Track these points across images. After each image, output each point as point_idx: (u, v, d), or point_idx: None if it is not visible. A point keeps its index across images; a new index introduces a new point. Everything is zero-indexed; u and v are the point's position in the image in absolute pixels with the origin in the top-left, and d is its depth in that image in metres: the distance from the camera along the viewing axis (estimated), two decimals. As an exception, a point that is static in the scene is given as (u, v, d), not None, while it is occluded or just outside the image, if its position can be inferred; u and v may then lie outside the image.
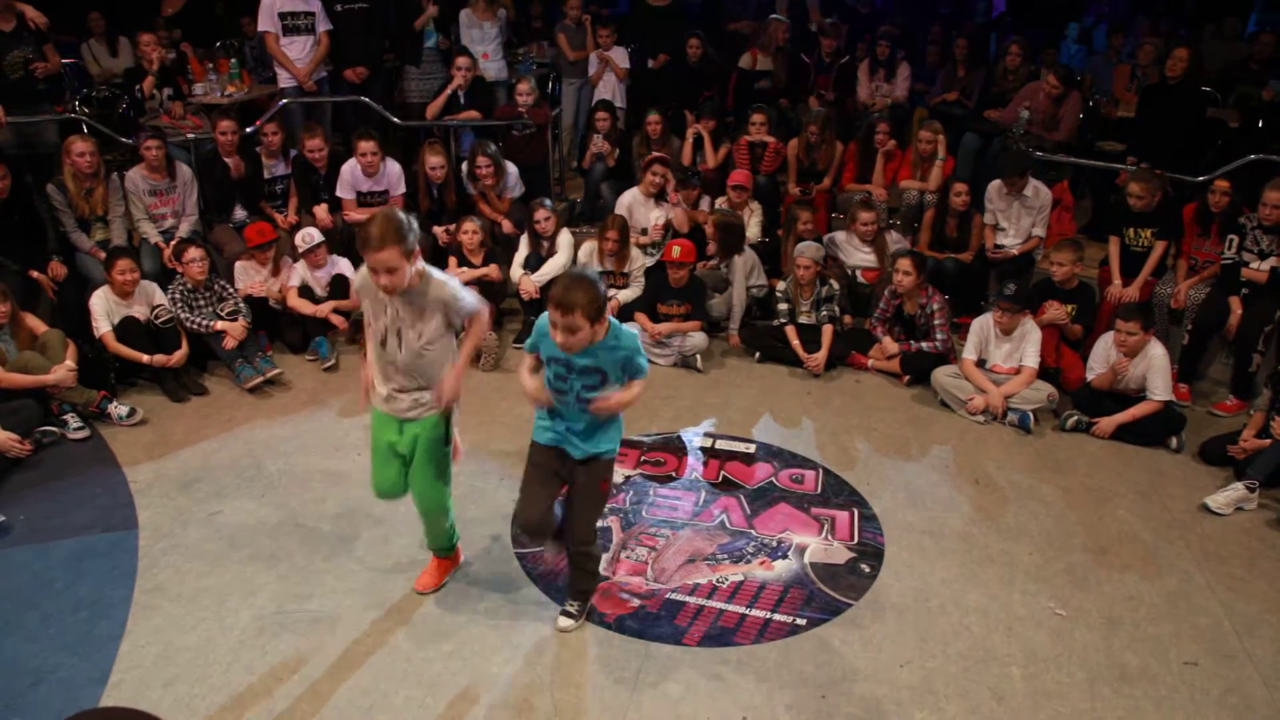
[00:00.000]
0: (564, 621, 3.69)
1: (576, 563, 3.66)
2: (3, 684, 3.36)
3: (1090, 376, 5.41)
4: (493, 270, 6.36)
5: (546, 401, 3.40)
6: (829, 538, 4.34)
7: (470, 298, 3.50)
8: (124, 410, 5.24)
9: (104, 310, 5.50)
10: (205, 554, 4.13)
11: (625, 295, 6.47)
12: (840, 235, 6.83)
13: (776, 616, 3.79)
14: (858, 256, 6.74)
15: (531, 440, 3.48)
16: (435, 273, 3.46)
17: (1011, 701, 3.37)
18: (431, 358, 3.48)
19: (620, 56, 8.24)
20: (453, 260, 6.37)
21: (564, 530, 3.61)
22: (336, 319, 6.03)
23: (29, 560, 4.07)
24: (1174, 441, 5.19)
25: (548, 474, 3.47)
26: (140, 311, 5.61)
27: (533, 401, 3.45)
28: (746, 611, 3.81)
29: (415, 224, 3.38)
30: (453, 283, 3.47)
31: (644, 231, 6.91)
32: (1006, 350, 5.57)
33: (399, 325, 3.44)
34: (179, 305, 5.71)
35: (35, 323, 5.33)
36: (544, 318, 3.27)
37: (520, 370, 3.48)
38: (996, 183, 6.60)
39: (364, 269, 3.43)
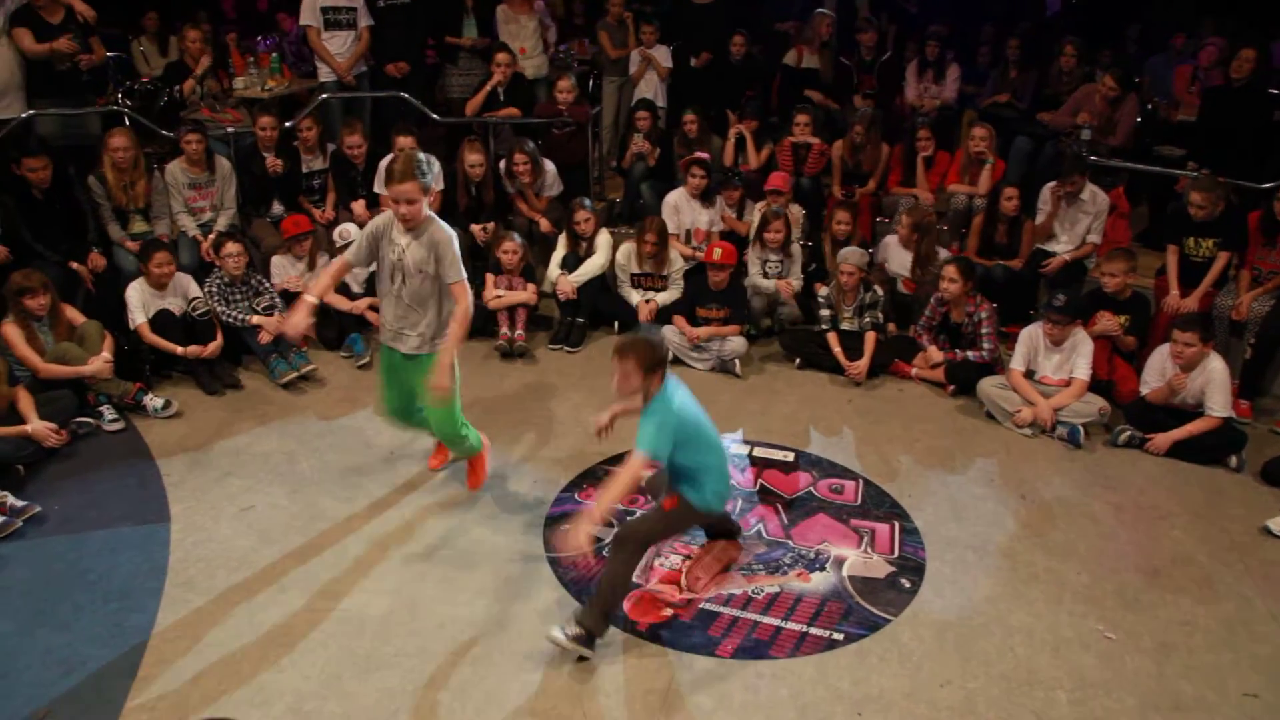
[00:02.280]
0: (555, 633, 3.51)
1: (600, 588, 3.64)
2: (35, 674, 3.42)
3: (1145, 390, 5.30)
4: (530, 294, 6.34)
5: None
6: (868, 550, 4.29)
7: (460, 268, 4.04)
8: (159, 403, 5.32)
9: (140, 302, 5.59)
10: (236, 549, 4.17)
11: (664, 298, 6.46)
12: (890, 238, 6.77)
13: (813, 630, 3.75)
14: (898, 263, 6.66)
15: None
16: (443, 225, 4.04)
17: (1057, 726, 3.31)
18: (428, 291, 4.07)
19: (663, 55, 8.23)
20: (489, 278, 6.36)
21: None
22: (372, 315, 6.07)
23: (63, 550, 4.15)
24: (1234, 460, 5.06)
25: None
26: (175, 304, 5.69)
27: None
28: (782, 624, 3.78)
29: (436, 166, 4.05)
30: (454, 245, 4.02)
31: (688, 237, 6.89)
32: (1056, 361, 5.48)
33: (405, 262, 4.02)
34: (215, 299, 5.79)
35: (74, 314, 5.43)
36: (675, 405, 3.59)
37: (619, 483, 3.47)
38: (1050, 185, 6.50)
39: (377, 218, 4.09)
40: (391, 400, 4.38)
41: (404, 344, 4.17)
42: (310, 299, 4.04)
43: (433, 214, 4.04)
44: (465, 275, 4.07)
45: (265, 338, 5.76)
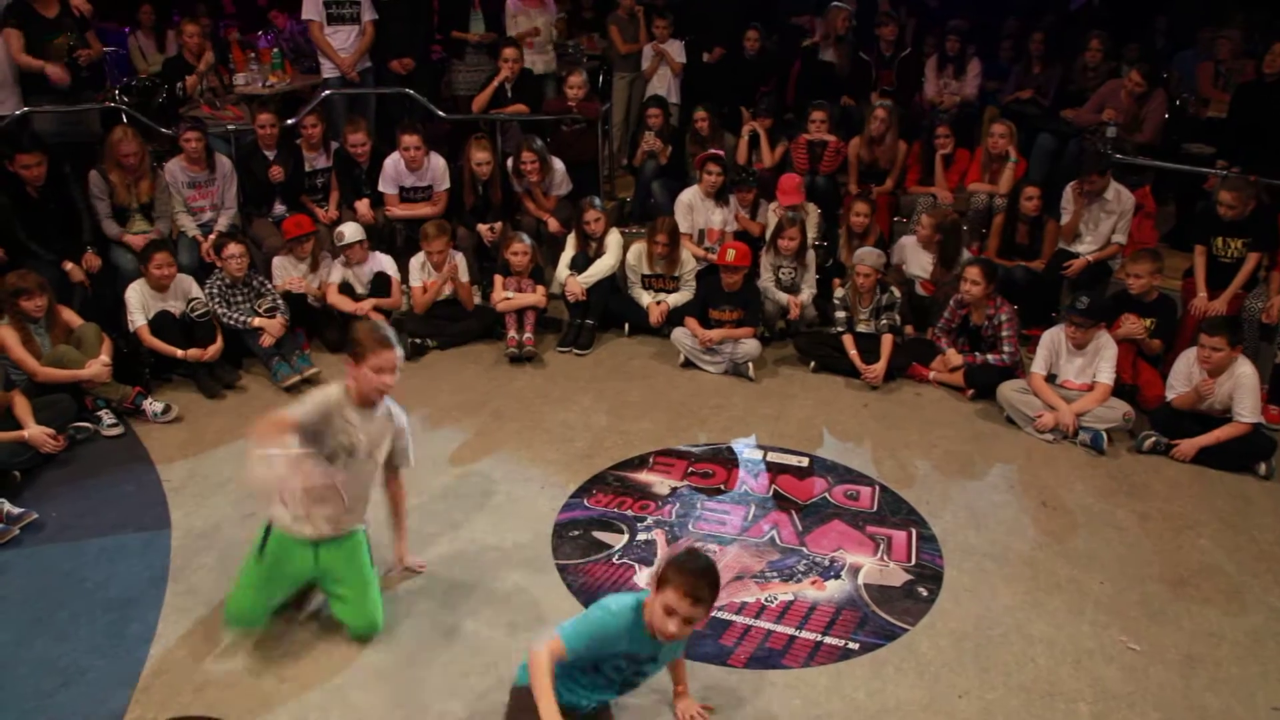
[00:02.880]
0: None
1: None
2: (32, 684, 3.46)
3: (1170, 395, 5.30)
4: (540, 296, 6.37)
5: None
6: (885, 558, 4.31)
7: (412, 452, 3.81)
8: (159, 407, 5.37)
9: (139, 304, 5.64)
10: (238, 556, 4.17)
11: (675, 299, 6.49)
12: (908, 239, 6.78)
13: (828, 639, 3.77)
14: (918, 264, 6.67)
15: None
16: (395, 405, 3.72)
17: (1078, 739, 3.33)
18: (369, 481, 3.71)
19: (676, 50, 8.25)
20: (498, 280, 6.40)
21: None
22: (377, 317, 6.12)
23: (60, 558, 4.19)
24: (1262, 467, 5.06)
25: None
26: (175, 306, 5.74)
27: None
28: (796, 633, 3.80)
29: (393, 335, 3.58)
30: (408, 428, 3.76)
31: (701, 238, 6.92)
32: (1079, 365, 5.49)
33: (354, 444, 3.55)
34: (216, 300, 5.84)
35: (71, 316, 5.47)
36: (615, 617, 2.93)
37: (541, 685, 2.80)
38: (1072, 184, 6.51)
39: (323, 393, 3.53)
40: (255, 608, 3.65)
41: (318, 527, 3.60)
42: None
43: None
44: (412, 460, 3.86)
45: (268, 340, 5.80)
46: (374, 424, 3.61)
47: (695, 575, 2.85)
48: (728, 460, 5.08)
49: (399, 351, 3.51)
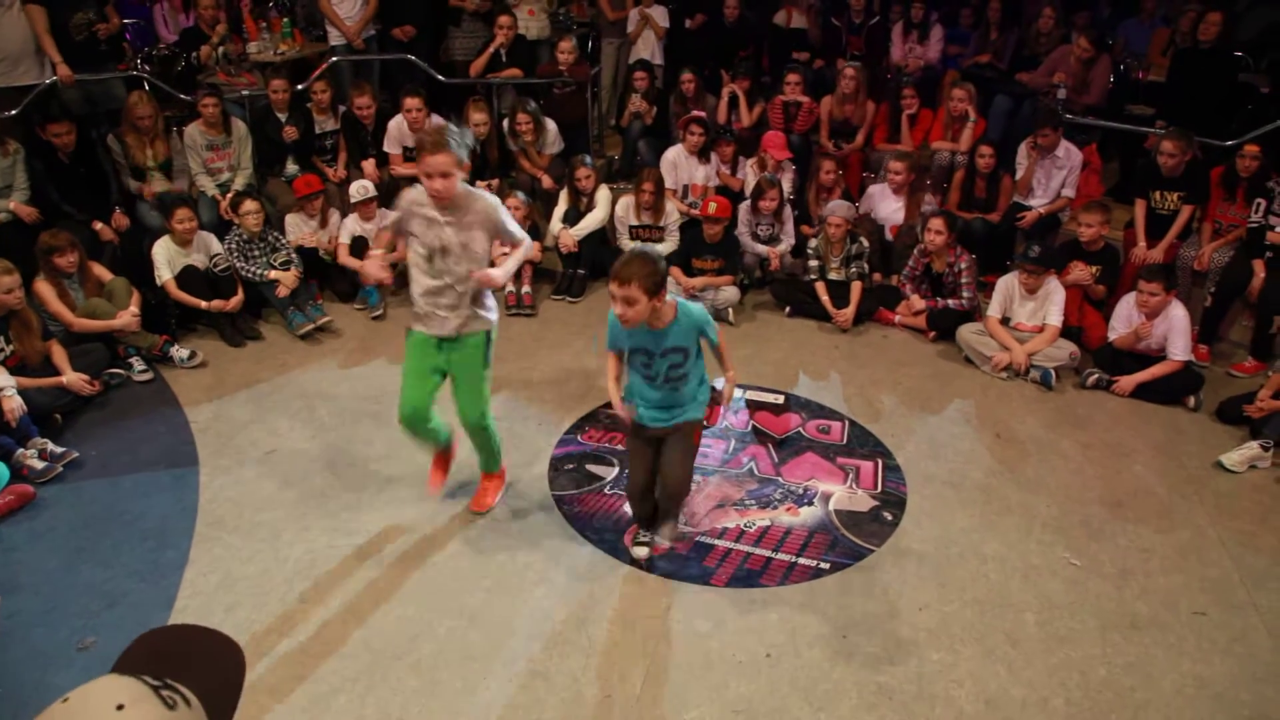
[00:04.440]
0: (639, 551, 3.78)
1: (666, 508, 3.74)
2: (80, 605, 3.49)
3: (1112, 336, 5.33)
4: (535, 251, 6.29)
5: (627, 418, 3.52)
6: (853, 486, 4.35)
7: (519, 229, 3.70)
8: (185, 354, 5.33)
9: (165, 259, 5.58)
10: (261, 490, 4.22)
11: (660, 249, 6.42)
12: (875, 187, 6.75)
13: (801, 560, 3.82)
14: (887, 209, 6.64)
15: (632, 421, 3.56)
16: (484, 193, 3.62)
17: (1025, 645, 3.39)
18: (475, 281, 3.58)
19: (660, 15, 8.09)
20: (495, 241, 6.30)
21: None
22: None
23: (100, 493, 4.20)
24: (1192, 401, 5.11)
25: (647, 444, 3.61)
26: (199, 260, 5.68)
27: (620, 415, 3.51)
28: (772, 555, 3.85)
29: (470, 136, 3.55)
30: (502, 209, 3.60)
31: (685, 193, 6.85)
32: (1031, 309, 5.50)
33: (445, 241, 3.51)
34: (235, 255, 5.77)
35: (102, 271, 5.42)
36: (610, 319, 3.42)
37: (609, 382, 3.56)
38: (1026, 141, 6.46)
39: (407, 193, 3.58)
40: (413, 395, 3.72)
41: (442, 327, 3.64)
42: (377, 252, 3.75)
43: (469, 186, 3.56)
44: (525, 235, 3.75)
45: (283, 291, 5.75)
46: (459, 221, 3.52)
47: (619, 262, 3.28)
48: (712, 397, 5.08)
49: (445, 156, 3.35)
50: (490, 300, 3.73)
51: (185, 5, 8.12)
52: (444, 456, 4.10)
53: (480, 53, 7.45)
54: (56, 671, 3.19)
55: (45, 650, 3.28)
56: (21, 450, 4.30)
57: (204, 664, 1.20)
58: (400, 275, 6.17)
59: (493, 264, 3.65)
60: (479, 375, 3.74)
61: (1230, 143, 6.01)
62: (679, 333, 3.40)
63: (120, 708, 1.03)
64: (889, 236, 6.57)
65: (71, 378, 4.76)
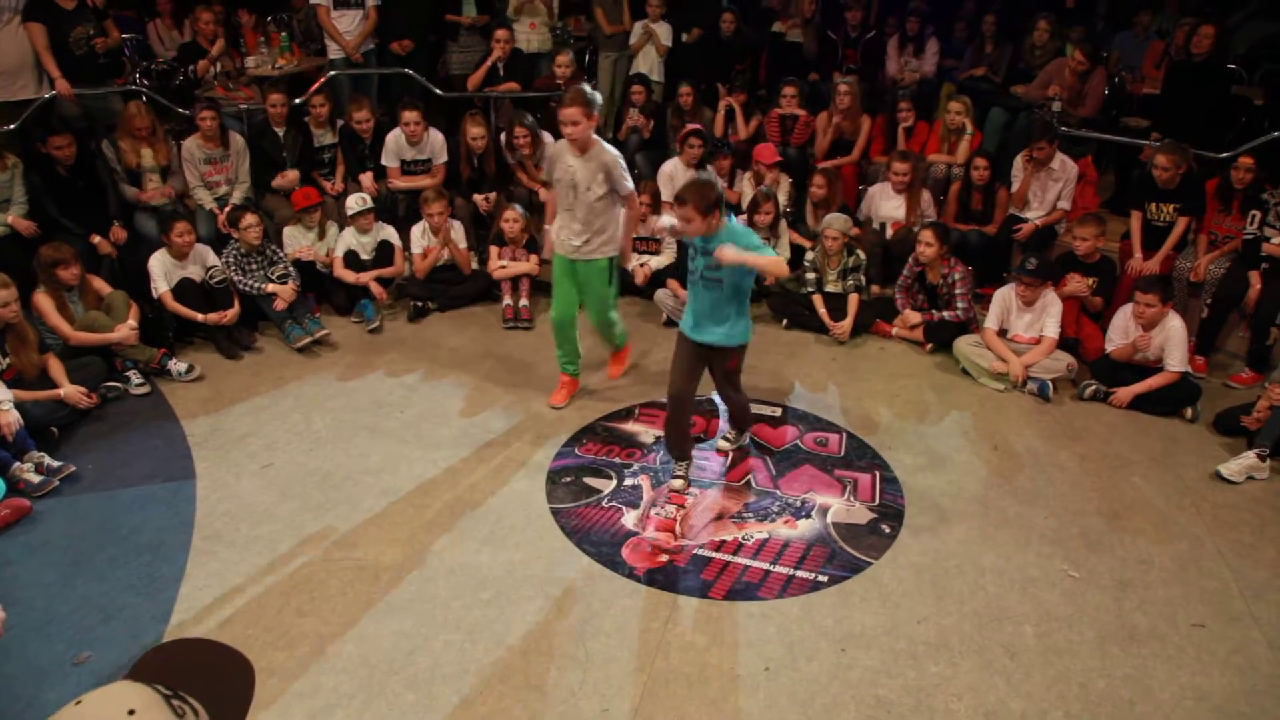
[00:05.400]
0: (723, 443, 4.66)
1: (735, 415, 4.61)
2: (76, 620, 3.47)
3: (1109, 348, 5.34)
4: (533, 264, 6.31)
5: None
6: (851, 499, 4.35)
7: (629, 179, 4.59)
8: (183, 367, 5.33)
9: (162, 271, 5.58)
10: (258, 503, 4.21)
11: (657, 262, 6.45)
12: (875, 187, 6.78)
13: (799, 573, 3.81)
14: (888, 208, 6.66)
15: (679, 332, 4.19)
16: (608, 147, 4.53)
17: (1023, 658, 3.38)
18: (600, 209, 4.58)
19: (665, 32, 8.11)
20: (493, 250, 6.33)
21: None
22: (376, 288, 6.08)
23: (97, 506, 4.19)
24: (1189, 412, 5.12)
25: (690, 357, 4.17)
26: (195, 273, 5.68)
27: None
28: (770, 568, 3.84)
29: (599, 98, 4.49)
30: (621, 163, 4.52)
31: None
32: (1028, 321, 5.51)
33: (575, 180, 4.51)
34: (232, 268, 5.78)
35: (100, 284, 5.43)
36: None
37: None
38: (1022, 154, 6.49)
39: (555, 144, 4.71)
40: (560, 306, 4.84)
41: (577, 251, 4.68)
42: (550, 227, 4.74)
43: (599, 139, 4.50)
44: (632, 185, 4.62)
45: (280, 305, 5.75)
46: (588, 165, 4.51)
47: (681, 187, 3.85)
48: (708, 411, 5.09)
49: (573, 109, 4.32)
50: (611, 235, 4.69)
51: (177, 23, 8.15)
52: (617, 355, 5.38)
53: (478, 67, 7.48)
54: (51, 687, 3.17)
55: (40, 665, 3.27)
56: (18, 464, 4.29)
57: (215, 678, 1.26)
58: (396, 289, 6.22)
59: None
60: (604, 291, 4.81)
61: (1225, 155, 6.05)
62: (718, 241, 3.82)
63: (131, 713, 1.07)
64: (890, 233, 6.59)
65: (68, 391, 4.76)
